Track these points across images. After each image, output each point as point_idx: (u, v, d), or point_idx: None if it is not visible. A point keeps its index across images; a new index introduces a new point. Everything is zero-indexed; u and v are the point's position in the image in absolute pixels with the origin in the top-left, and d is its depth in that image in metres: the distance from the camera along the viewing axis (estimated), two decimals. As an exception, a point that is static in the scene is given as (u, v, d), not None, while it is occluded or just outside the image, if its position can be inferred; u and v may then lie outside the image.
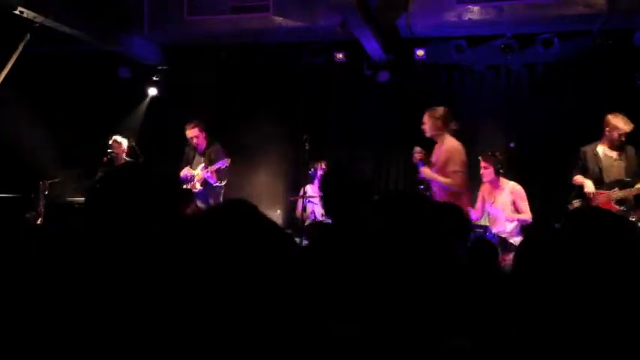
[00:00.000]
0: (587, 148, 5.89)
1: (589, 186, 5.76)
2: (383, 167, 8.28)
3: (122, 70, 8.28)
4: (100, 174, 7.05)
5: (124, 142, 7.26)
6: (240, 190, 7.77)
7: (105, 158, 7.14)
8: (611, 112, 5.79)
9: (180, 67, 8.38)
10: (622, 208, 5.60)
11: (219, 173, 6.62)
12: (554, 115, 7.39)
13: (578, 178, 5.87)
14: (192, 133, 6.74)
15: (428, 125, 5.61)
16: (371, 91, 8.05)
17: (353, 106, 8.19)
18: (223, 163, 6.51)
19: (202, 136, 6.76)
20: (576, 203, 5.82)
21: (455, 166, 5.41)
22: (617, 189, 5.69)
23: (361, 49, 7.46)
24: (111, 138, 7.28)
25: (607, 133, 5.74)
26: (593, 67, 7.17)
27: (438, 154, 5.57)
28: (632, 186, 5.62)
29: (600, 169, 5.77)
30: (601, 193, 5.71)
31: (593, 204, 5.62)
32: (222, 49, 8.03)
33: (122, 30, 7.57)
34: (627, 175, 5.67)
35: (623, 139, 5.70)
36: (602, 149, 5.81)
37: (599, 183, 5.76)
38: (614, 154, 5.76)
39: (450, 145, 5.50)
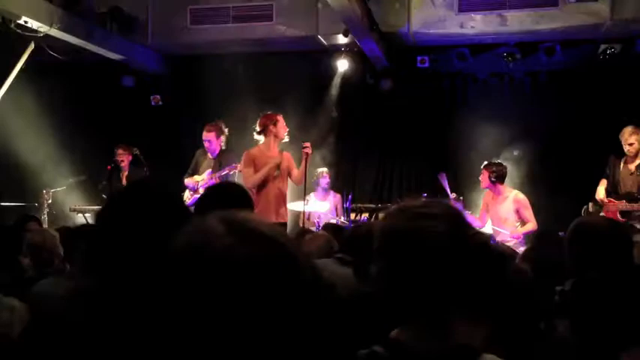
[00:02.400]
0: (613, 157, 6.02)
1: (599, 192, 5.91)
2: (386, 175, 8.29)
3: (126, 79, 8.29)
4: (104, 183, 7.05)
5: (129, 151, 7.25)
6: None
7: (109, 167, 7.14)
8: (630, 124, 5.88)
9: (183, 76, 8.41)
10: (624, 219, 5.65)
11: (223, 180, 6.22)
12: (557, 123, 7.40)
13: (600, 186, 6.00)
14: (207, 135, 6.41)
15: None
16: (373, 100, 8.06)
17: (355, 114, 8.20)
18: (232, 168, 6.11)
19: (217, 142, 6.44)
20: (591, 208, 5.96)
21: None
22: (624, 201, 5.77)
23: (364, 57, 7.48)
24: (115, 146, 7.28)
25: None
26: (596, 76, 7.18)
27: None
28: (637, 201, 5.68)
29: (617, 180, 5.91)
30: (612, 202, 5.81)
31: (604, 211, 5.76)
32: (226, 58, 8.05)
33: (126, 39, 7.60)
34: (638, 191, 5.71)
35: (630, 150, 5.79)
36: (624, 160, 5.93)
37: (615, 192, 5.87)
38: (631, 167, 5.87)
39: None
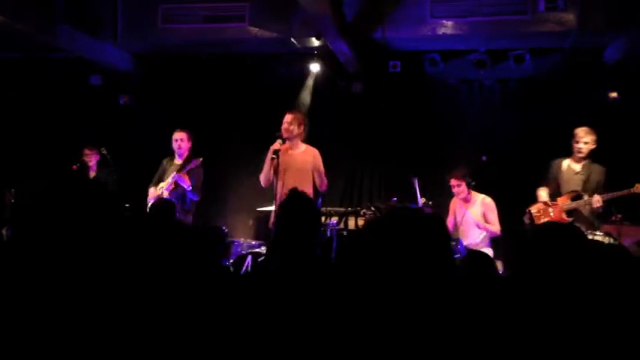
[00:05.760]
0: (557, 161, 5.98)
1: (541, 196, 5.93)
2: (356, 179, 8.29)
3: (94, 77, 8.15)
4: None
5: (96, 150, 7.12)
6: (215, 201, 7.70)
7: (75, 166, 7.00)
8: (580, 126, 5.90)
9: (153, 76, 8.29)
10: (571, 219, 5.69)
11: (190, 175, 6.25)
12: (526, 130, 7.51)
13: (539, 190, 5.99)
14: (179, 135, 6.42)
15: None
16: (344, 103, 8.06)
17: (326, 116, 8.17)
18: (195, 162, 6.23)
19: (187, 145, 6.43)
20: (534, 209, 5.91)
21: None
22: (569, 200, 5.78)
23: (336, 60, 7.48)
24: (82, 146, 7.14)
25: (573, 144, 5.84)
26: (565, 84, 7.30)
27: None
28: (582, 198, 5.71)
29: (560, 181, 5.91)
30: (555, 204, 5.81)
31: (549, 212, 5.78)
32: (197, 59, 7.97)
33: (94, 37, 7.46)
34: (583, 189, 5.74)
35: (583, 149, 5.76)
36: (567, 162, 5.93)
37: (557, 194, 5.88)
38: (577, 167, 5.87)
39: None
